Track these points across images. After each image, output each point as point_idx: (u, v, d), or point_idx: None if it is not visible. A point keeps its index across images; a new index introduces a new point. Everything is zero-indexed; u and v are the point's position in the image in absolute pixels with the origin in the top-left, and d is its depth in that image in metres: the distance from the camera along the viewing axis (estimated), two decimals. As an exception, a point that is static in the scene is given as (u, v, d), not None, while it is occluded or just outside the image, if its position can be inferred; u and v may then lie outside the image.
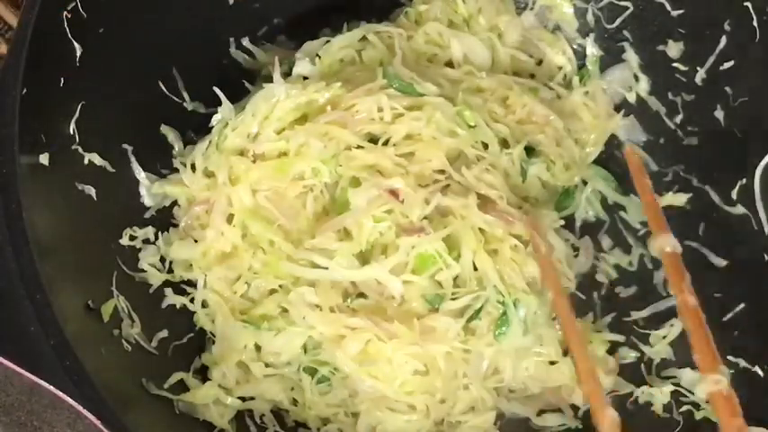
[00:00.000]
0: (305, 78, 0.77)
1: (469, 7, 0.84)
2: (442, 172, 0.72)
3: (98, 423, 0.57)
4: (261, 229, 0.71)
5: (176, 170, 0.77)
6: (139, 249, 0.72)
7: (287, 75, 0.77)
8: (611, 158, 0.84)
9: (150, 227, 0.74)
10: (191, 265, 0.74)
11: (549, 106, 0.80)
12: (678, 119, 0.81)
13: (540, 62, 0.85)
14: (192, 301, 0.73)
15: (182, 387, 0.69)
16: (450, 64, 0.81)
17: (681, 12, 0.80)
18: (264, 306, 0.71)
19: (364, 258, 0.71)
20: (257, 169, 0.73)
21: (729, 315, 0.73)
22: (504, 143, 0.76)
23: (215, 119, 0.76)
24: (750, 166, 0.74)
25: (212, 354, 0.72)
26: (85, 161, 0.68)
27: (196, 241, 0.74)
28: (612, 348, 0.77)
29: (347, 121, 0.73)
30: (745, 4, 0.74)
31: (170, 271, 0.74)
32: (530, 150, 0.77)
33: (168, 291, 0.73)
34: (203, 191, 0.75)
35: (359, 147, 0.72)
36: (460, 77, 0.79)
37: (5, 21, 0.87)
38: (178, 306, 0.73)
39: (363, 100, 0.73)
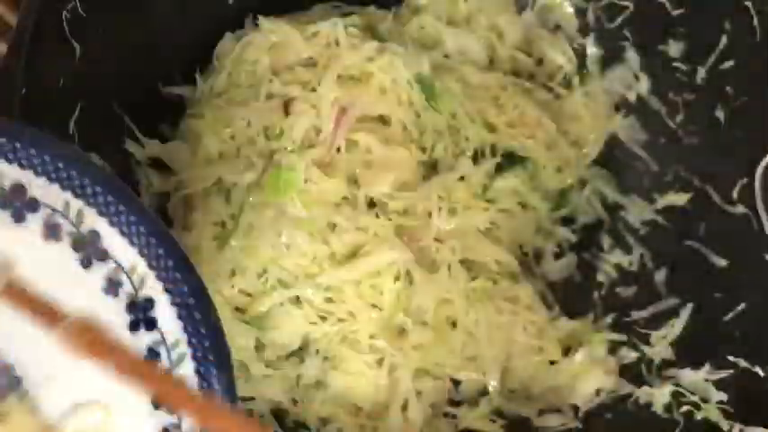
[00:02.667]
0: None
1: (470, 5, 0.84)
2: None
3: (98, 423, 0.57)
4: (227, 170, 0.72)
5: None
6: (139, 249, 0.72)
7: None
8: (611, 158, 0.84)
9: (150, 227, 0.74)
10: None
11: (548, 106, 0.80)
12: (679, 118, 0.81)
13: (540, 62, 0.85)
14: (191, 301, 0.73)
15: (181, 387, 0.69)
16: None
17: (681, 11, 0.79)
18: (260, 301, 0.71)
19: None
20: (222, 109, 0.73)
21: (729, 315, 0.73)
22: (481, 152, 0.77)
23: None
24: (751, 165, 0.74)
25: (212, 354, 0.72)
26: (85, 161, 0.68)
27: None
28: (613, 348, 0.77)
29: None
30: (746, 3, 0.73)
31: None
32: (514, 158, 0.77)
33: (168, 291, 0.73)
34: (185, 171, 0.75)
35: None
36: (452, 66, 0.79)
37: (5, 21, 0.86)
38: (178, 306, 0.73)
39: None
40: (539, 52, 0.85)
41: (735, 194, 0.75)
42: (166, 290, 0.52)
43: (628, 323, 0.78)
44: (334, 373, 0.72)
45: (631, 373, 0.75)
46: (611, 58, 0.85)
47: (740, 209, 0.74)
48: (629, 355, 0.77)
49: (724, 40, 0.76)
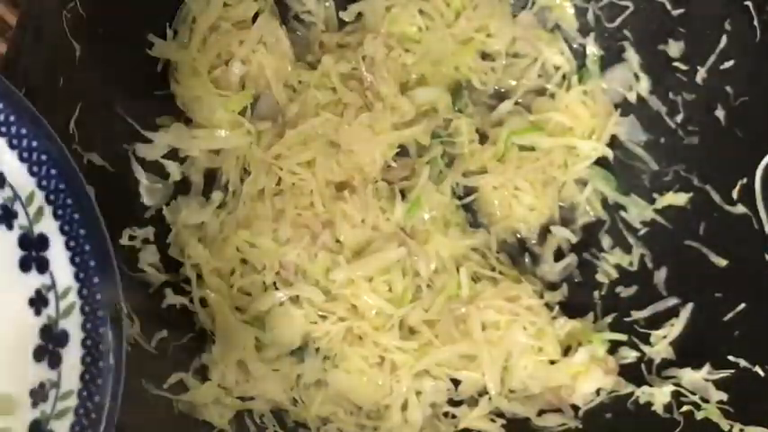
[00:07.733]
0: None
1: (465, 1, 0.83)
2: None
3: (98, 423, 0.57)
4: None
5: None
6: (139, 249, 0.72)
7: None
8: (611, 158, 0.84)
9: (150, 227, 0.73)
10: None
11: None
12: (679, 118, 0.81)
13: (535, 61, 0.85)
14: (191, 301, 0.73)
15: (181, 387, 0.69)
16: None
17: (681, 11, 0.79)
18: (260, 302, 0.71)
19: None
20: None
21: (729, 315, 0.73)
22: None
23: None
24: (751, 165, 0.74)
25: (212, 353, 0.72)
26: (85, 161, 0.68)
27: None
28: (613, 348, 0.77)
29: None
30: (746, 3, 0.74)
31: (169, 271, 0.74)
32: None
33: (168, 291, 0.73)
34: None
35: None
36: None
37: (5, 21, 0.86)
38: (178, 306, 0.73)
39: None
40: (535, 52, 0.85)
41: (735, 194, 0.75)
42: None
43: (628, 323, 0.78)
44: (334, 372, 0.72)
45: (631, 373, 0.76)
46: (611, 57, 0.85)
47: (740, 209, 0.74)
48: (630, 355, 0.77)
49: (724, 40, 0.76)
